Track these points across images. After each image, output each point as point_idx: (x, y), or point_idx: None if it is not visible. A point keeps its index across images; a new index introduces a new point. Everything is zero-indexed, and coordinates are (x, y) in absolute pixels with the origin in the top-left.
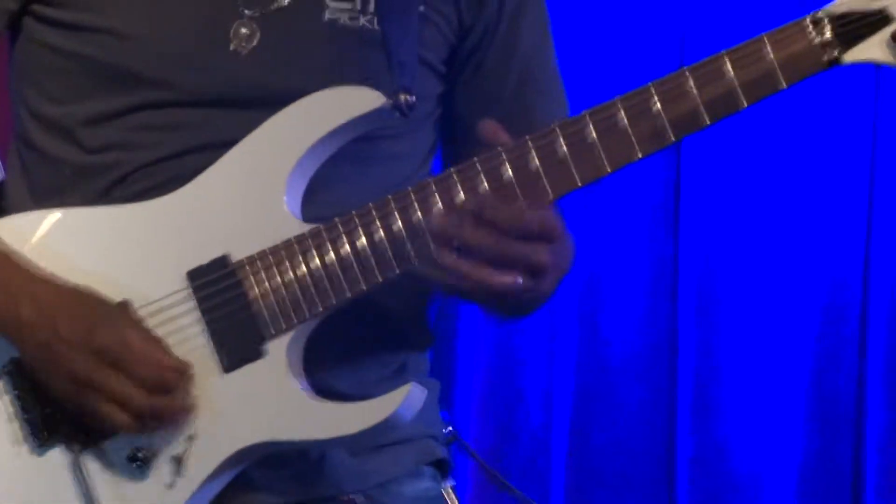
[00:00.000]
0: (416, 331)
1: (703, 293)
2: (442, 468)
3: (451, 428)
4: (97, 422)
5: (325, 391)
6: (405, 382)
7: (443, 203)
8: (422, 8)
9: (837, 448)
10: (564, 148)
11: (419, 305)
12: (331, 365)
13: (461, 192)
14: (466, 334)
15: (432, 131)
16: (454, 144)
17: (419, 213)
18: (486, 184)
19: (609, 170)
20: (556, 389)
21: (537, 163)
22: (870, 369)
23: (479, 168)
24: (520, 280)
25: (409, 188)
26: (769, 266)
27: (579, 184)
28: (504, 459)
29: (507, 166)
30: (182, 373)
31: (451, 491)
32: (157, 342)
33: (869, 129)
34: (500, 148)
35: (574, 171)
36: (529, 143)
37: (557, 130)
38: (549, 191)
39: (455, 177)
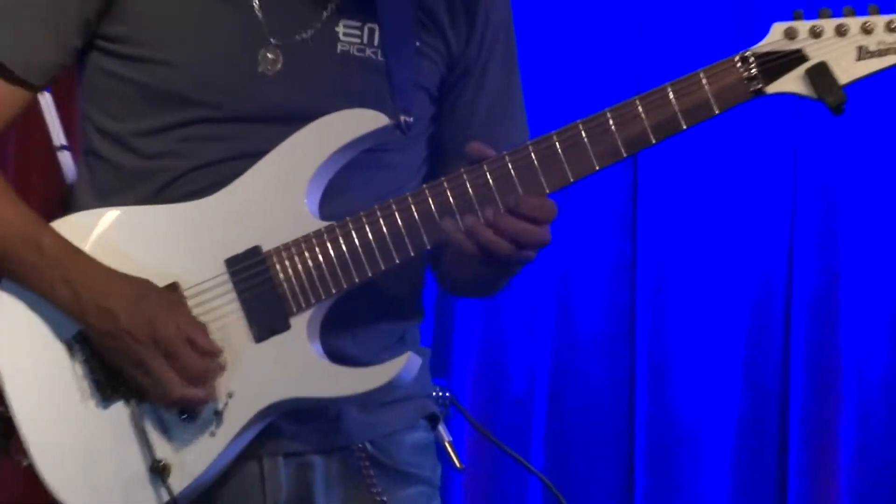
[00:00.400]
0: (412, 308)
1: (655, 284)
2: (433, 421)
3: (448, 393)
4: (146, 395)
5: (337, 357)
6: (404, 350)
7: (433, 200)
8: (417, 43)
9: (765, 409)
10: (534, 159)
11: (413, 288)
12: (343, 335)
13: (458, 194)
14: (462, 318)
15: (425, 147)
16: (432, 158)
17: (417, 210)
18: (490, 181)
19: (572, 179)
20: (536, 362)
21: (533, 158)
22: (792, 346)
23: (486, 168)
24: (522, 258)
25: (407, 193)
26: (710, 262)
27: (546, 190)
28: (493, 419)
29: (510, 167)
30: (215, 356)
31: (449, 445)
32: (200, 329)
33: (790, 153)
34: (504, 154)
35: (542, 178)
36: (530, 147)
37: (530, 147)
38: (544, 180)
39: (463, 175)
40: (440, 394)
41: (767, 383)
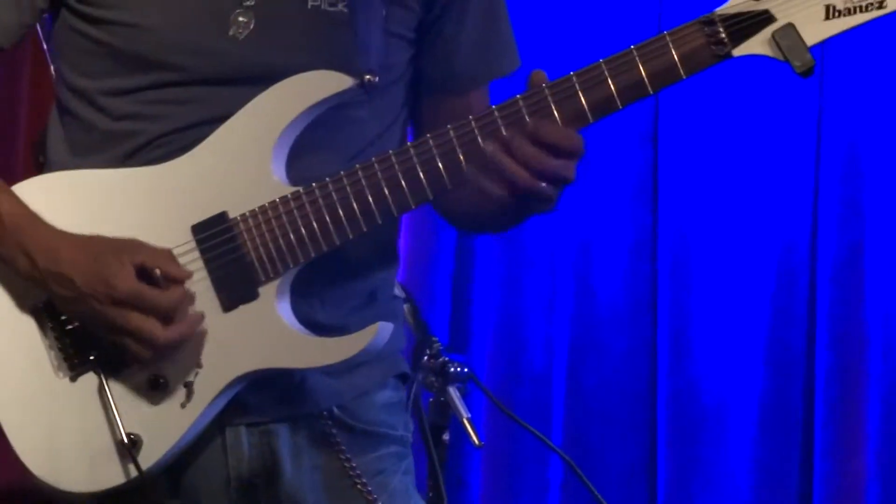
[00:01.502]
0: (385, 259)
1: (676, 257)
2: (404, 379)
3: (467, 369)
4: (126, 354)
5: (306, 322)
6: (377, 307)
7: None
8: None
9: (789, 386)
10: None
11: (384, 238)
12: (310, 299)
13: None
14: (480, 293)
15: (401, 93)
16: (419, 97)
17: (384, 172)
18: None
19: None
20: (555, 338)
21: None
22: (818, 319)
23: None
24: (553, 190)
25: (373, 159)
26: (733, 234)
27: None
28: (512, 396)
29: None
30: (182, 281)
31: (468, 422)
32: (167, 258)
33: (814, 122)
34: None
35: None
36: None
37: (495, 111)
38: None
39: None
40: (459, 370)
41: (792, 358)
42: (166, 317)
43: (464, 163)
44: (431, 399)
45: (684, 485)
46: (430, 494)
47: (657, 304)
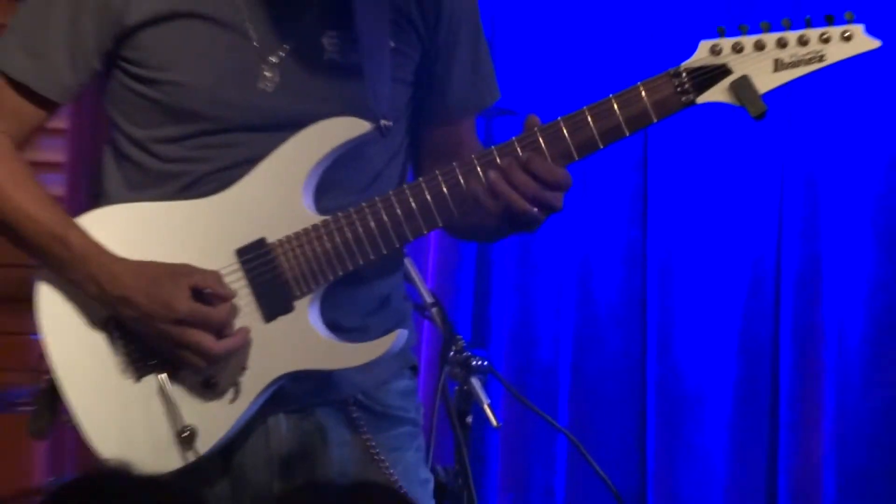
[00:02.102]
0: (395, 269)
1: (663, 267)
2: (415, 371)
3: (487, 362)
4: (184, 364)
5: (332, 325)
6: (390, 310)
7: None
8: (392, 44)
9: (758, 374)
10: (496, 157)
11: (395, 253)
12: (335, 306)
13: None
14: (498, 298)
15: (400, 131)
16: (416, 128)
17: (400, 204)
18: (533, 146)
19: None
20: (561, 335)
21: (540, 138)
22: (781, 320)
23: (497, 152)
24: (541, 215)
25: (390, 192)
26: (710, 248)
27: None
28: (524, 385)
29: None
30: (230, 299)
31: (487, 407)
32: (216, 279)
33: (779, 154)
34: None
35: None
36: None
37: (493, 150)
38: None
39: (474, 161)
40: (480, 363)
41: (760, 351)
42: (218, 330)
43: (467, 192)
44: (456, 388)
45: (670, 457)
46: (456, 467)
47: (646, 306)
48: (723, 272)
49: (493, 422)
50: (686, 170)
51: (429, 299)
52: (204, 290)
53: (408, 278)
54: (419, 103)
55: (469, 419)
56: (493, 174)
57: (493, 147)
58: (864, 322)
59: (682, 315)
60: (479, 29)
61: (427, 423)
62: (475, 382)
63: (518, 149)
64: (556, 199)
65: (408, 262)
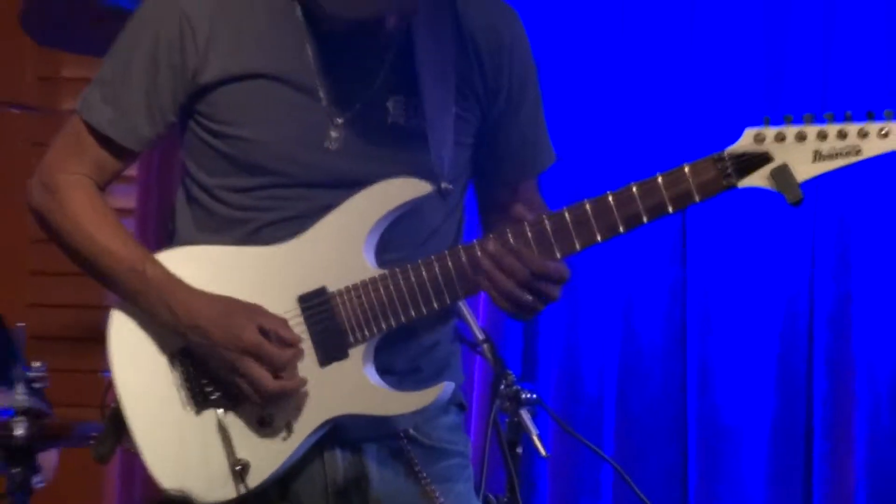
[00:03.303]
0: (446, 318)
1: (704, 304)
2: (462, 408)
3: (535, 395)
4: (242, 395)
5: (386, 368)
6: (440, 352)
7: (485, 255)
8: (455, 109)
9: (793, 407)
10: (549, 229)
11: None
12: (388, 349)
13: (495, 245)
14: (546, 335)
15: (458, 192)
16: (481, 184)
17: (453, 262)
18: (523, 241)
19: (578, 248)
20: (606, 369)
21: (549, 229)
22: (815, 356)
23: (525, 231)
24: (539, 305)
25: (459, 246)
26: (747, 287)
27: (558, 256)
28: (571, 417)
29: (529, 231)
30: (294, 350)
31: (536, 437)
32: (283, 325)
33: (812, 195)
34: (521, 221)
35: (555, 246)
36: (544, 220)
37: (545, 219)
38: (556, 249)
39: (491, 238)
40: (529, 396)
41: (795, 386)
42: (277, 370)
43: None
44: (507, 420)
45: (711, 487)
46: (508, 496)
47: (687, 342)
48: (759, 310)
49: (542, 452)
50: (722, 211)
51: (480, 336)
52: (271, 331)
53: (460, 316)
54: (480, 165)
55: (519, 450)
56: (487, 264)
57: (508, 230)
58: (893, 356)
59: (721, 351)
60: (538, 97)
61: (480, 454)
62: (524, 415)
63: (530, 234)
64: (557, 290)
65: (461, 302)
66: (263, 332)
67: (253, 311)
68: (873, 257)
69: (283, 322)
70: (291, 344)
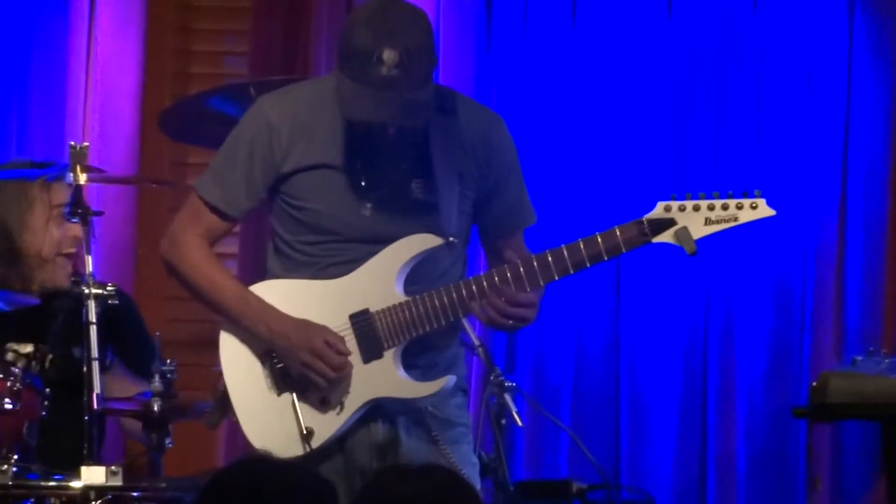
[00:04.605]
0: (453, 330)
1: (633, 321)
2: (465, 392)
3: (515, 384)
4: (310, 383)
5: (412, 363)
6: (450, 352)
7: (477, 289)
8: (458, 188)
9: (693, 392)
10: (522, 270)
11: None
12: (415, 352)
13: (489, 282)
14: (522, 343)
15: (461, 245)
16: (483, 238)
17: (456, 293)
18: (504, 281)
19: (542, 283)
20: (563, 367)
21: (522, 271)
22: (709, 354)
23: (505, 272)
24: (517, 325)
25: (460, 282)
26: (662, 310)
27: (528, 288)
28: (539, 399)
29: (508, 273)
30: (346, 357)
31: (515, 413)
32: (341, 340)
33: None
34: (506, 264)
35: (525, 281)
36: (518, 263)
37: (519, 264)
38: (527, 284)
39: (486, 276)
40: (510, 384)
41: (694, 376)
42: (333, 369)
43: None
44: (495, 401)
45: (637, 448)
46: (494, 453)
47: (620, 348)
48: (670, 325)
49: (518, 422)
50: (646, 263)
51: (476, 342)
52: (332, 344)
53: (462, 328)
54: (481, 226)
55: (503, 421)
56: (476, 305)
57: (493, 271)
58: (763, 356)
59: (643, 353)
60: (520, 177)
61: (475, 425)
62: (507, 397)
63: (509, 275)
64: (529, 313)
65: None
66: (328, 344)
67: (322, 328)
68: (748, 293)
69: (342, 339)
70: (343, 354)
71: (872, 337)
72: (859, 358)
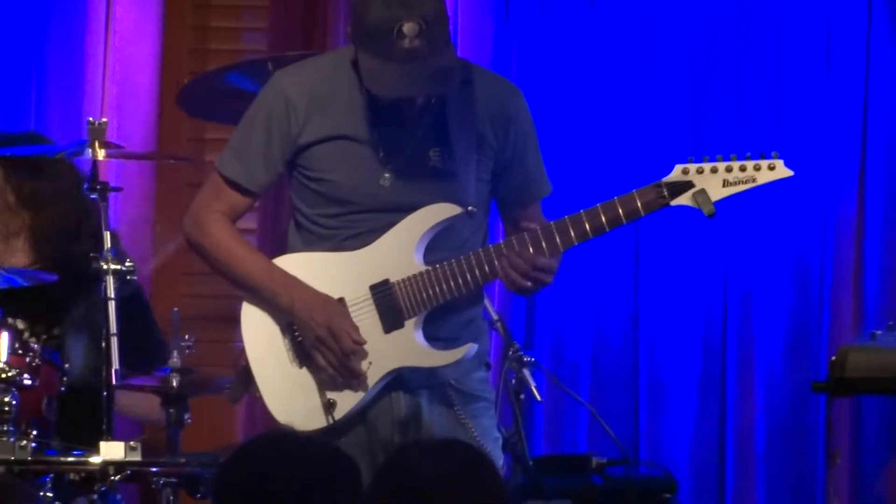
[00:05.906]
0: (477, 300)
1: (652, 296)
2: (488, 367)
3: (534, 359)
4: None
5: (434, 336)
6: (473, 326)
7: (497, 254)
8: (476, 157)
9: (713, 367)
10: (542, 236)
11: (476, 291)
12: (437, 323)
13: (514, 249)
14: (541, 318)
15: (481, 214)
16: (501, 207)
17: (476, 259)
18: (524, 245)
19: (561, 248)
20: (582, 343)
21: (541, 236)
22: (728, 330)
23: (525, 238)
24: (536, 287)
25: (480, 250)
26: (682, 284)
27: (547, 253)
28: (558, 374)
29: (528, 238)
30: (359, 346)
31: (534, 388)
32: (354, 328)
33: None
34: (526, 232)
35: (544, 245)
36: (538, 230)
37: (538, 229)
38: (546, 250)
39: (506, 243)
40: (529, 359)
41: (714, 352)
42: (345, 350)
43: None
44: (514, 375)
45: (655, 423)
46: (513, 428)
47: (639, 324)
48: (690, 300)
49: (537, 397)
50: (666, 232)
51: (495, 317)
52: (350, 330)
53: (483, 302)
54: (500, 195)
55: (522, 396)
56: (504, 262)
57: (513, 238)
58: (781, 334)
59: (662, 329)
60: (536, 146)
61: (496, 399)
62: (526, 372)
63: (528, 240)
64: (548, 277)
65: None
66: (346, 328)
67: (341, 310)
68: (767, 268)
69: (356, 328)
70: (358, 343)
71: (891, 311)
72: (878, 332)
